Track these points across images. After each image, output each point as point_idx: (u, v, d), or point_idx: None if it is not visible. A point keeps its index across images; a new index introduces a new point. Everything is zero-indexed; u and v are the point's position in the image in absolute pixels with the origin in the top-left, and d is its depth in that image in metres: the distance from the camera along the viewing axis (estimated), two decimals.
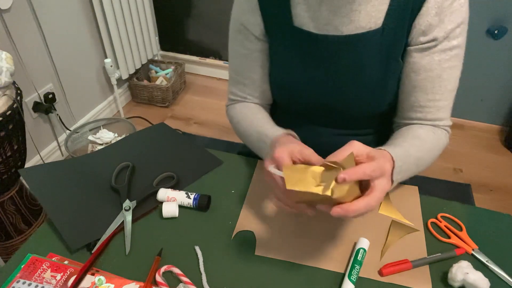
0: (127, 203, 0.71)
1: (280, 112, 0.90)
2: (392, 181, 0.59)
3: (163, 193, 0.72)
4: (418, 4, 0.65)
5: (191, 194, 0.71)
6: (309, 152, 0.59)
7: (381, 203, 0.73)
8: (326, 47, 0.72)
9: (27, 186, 1.32)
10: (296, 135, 0.73)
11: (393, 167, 0.58)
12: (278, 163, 0.58)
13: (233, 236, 0.67)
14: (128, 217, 0.69)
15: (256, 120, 0.81)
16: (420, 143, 0.69)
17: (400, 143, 0.68)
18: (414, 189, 0.76)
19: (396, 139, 0.71)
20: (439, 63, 0.69)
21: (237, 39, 0.79)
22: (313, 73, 0.75)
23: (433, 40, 0.67)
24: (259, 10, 0.74)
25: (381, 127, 0.86)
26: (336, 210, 0.50)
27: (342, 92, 0.76)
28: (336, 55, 0.72)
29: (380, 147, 0.62)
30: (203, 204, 0.71)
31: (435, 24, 0.65)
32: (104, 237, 0.65)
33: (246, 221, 0.70)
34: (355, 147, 0.55)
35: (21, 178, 1.34)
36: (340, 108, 0.78)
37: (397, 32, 0.68)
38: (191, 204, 0.71)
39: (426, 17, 0.65)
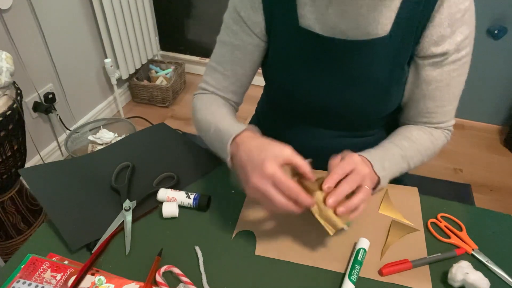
0: (127, 203, 0.71)
1: (279, 114, 0.90)
2: (379, 177, 0.67)
3: (163, 193, 0.72)
4: (427, 14, 0.65)
5: (191, 194, 0.72)
6: (299, 160, 0.59)
7: (381, 203, 0.73)
8: (332, 50, 0.71)
9: (27, 186, 1.32)
10: (257, 129, 0.70)
11: (372, 165, 0.66)
12: (274, 179, 0.56)
13: (233, 236, 0.67)
14: (128, 217, 0.69)
15: (218, 114, 0.76)
16: (409, 144, 0.74)
17: (383, 145, 0.74)
18: (414, 190, 0.76)
19: (384, 141, 0.76)
20: (448, 73, 0.70)
21: (232, 29, 0.77)
22: (316, 74, 0.75)
23: (445, 53, 0.68)
24: (262, 10, 0.73)
25: (381, 129, 0.86)
26: (340, 210, 0.58)
27: (344, 96, 0.75)
28: (341, 59, 0.72)
29: (358, 153, 0.68)
30: (203, 204, 0.71)
31: (447, 35, 0.66)
32: (104, 237, 0.65)
33: (246, 221, 0.70)
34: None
35: (21, 178, 1.34)
36: (341, 111, 0.78)
37: (404, 40, 0.68)
38: (191, 204, 0.71)
39: (439, 28, 0.65)
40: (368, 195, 0.60)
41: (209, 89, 0.83)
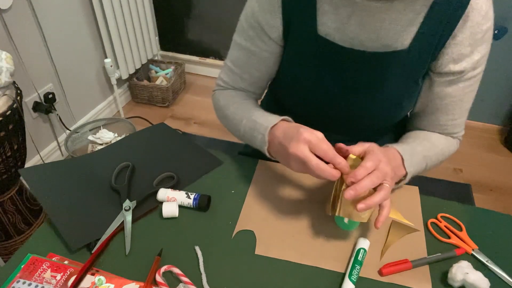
0: (127, 203, 0.71)
1: (286, 115, 0.89)
2: (407, 173, 0.67)
3: (163, 193, 0.72)
4: (448, 31, 0.65)
5: (191, 194, 0.72)
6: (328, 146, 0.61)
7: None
8: (349, 60, 0.70)
9: (27, 186, 1.32)
10: (291, 120, 0.71)
11: (403, 160, 0.67)
12: (310, 143, 0.59)
13: (233, 235, 0.67)
14: (128, 217, 0.69)
15: (247, 106, 0.79)
16: (430, 145, 0.75)
17: (409, 142, 0.75)
18: (415, 189, 0.76)
19: (406, 139, 0.78)
20: (462, 89, 0.71)
21: (249, 34, 0.76)
22: (330, 83, 0.74)
23: (462, 71, 0.68)
24: (281, 14, 0.71)
25: (388, 135, 0.86)
26: (349, 193, 0.56)
27: (356, 105, 0.75)
28: (358, 70, 0.71)
29: (387, 145, 0.69)
30: (203, 204, 0.71)
31: (466, 54, 0.66)
32: (104, 237, 0.65)
33: (247, 221, 0.70)
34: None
35: (21, 178, 1.34)
36: (351, 119, 0.78)
37: (422, 55, 0.68)
38: (191, 204, 0.71)
39: (460, 47, 0.65)
40: (388, 193, 0.59)
41: (228, 87, 0.85)
